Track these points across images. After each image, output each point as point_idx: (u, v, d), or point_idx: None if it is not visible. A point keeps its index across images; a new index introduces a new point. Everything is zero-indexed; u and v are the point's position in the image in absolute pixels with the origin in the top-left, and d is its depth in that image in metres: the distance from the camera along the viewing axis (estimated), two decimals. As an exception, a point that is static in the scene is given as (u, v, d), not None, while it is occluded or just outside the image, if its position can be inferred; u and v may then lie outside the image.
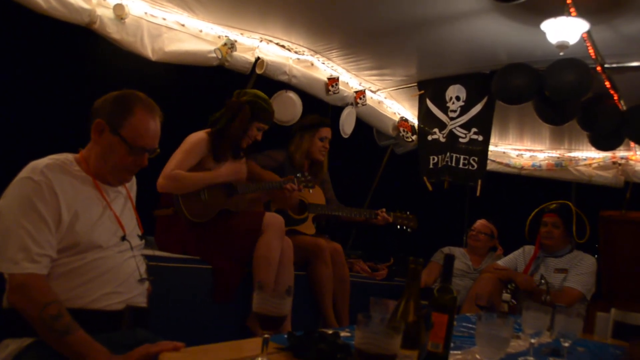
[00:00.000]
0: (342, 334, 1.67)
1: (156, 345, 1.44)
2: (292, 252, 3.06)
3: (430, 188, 4.57)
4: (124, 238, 1.74)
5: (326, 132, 3.72)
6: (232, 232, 2.94)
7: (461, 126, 4.41)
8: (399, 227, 3.88)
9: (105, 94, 1.75)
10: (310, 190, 3.48)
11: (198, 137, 2.99)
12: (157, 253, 2.71)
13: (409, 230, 3.91)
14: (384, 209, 3.81)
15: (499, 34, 3.46)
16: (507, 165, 5.51)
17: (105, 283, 1.64)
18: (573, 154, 5.31)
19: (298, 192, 3.36)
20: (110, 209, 1.74)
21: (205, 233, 2.92)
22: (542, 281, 3.57)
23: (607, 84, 3.89)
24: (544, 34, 3.13)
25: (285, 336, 1.54)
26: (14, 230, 1.51)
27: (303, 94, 3.96)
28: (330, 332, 1.57)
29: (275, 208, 3.55)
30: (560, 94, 3.72)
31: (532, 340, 1.96)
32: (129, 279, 1.72)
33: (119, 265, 1.69)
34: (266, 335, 1.36)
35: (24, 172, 1.59)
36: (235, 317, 2.91)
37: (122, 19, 2.87)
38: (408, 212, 3.92)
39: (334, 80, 4.05)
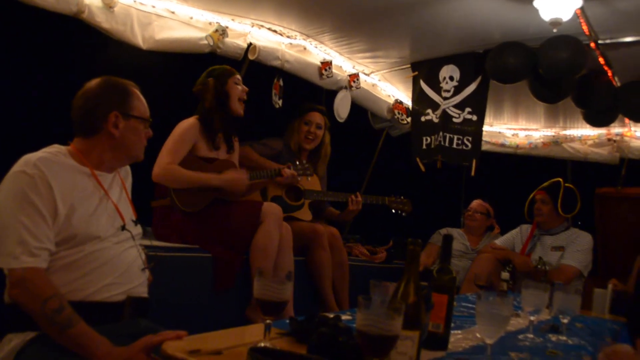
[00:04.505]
0: (344, 317, 1.68)
1: (159, 335, 1.44)
2: (291, 237, 3.07)
3: (423, 169, 4.56)
4: (123, 228, 1.74)
5: (312, 116, 3.70)
6: (230, 221, 2.94)
7: (455, 106, 4.39)
8: (393, 211, 3.89)
9: (84, 90, 1.76)
10: (308, 178, 3.49)
11: (188, 123, 2.97)
12: (155, 243, 2.70)
13: (403, 214, 3.93)
14: (357, 193, 3.78)
15: (492, 12, 3.44)
16: (503, 144, 5.51)
17: (106, 274, 1.64)
18: (568, 132, 5.31)
19: (297, 179, 3.37)
20: (109, 198, 1.73)
21: (204, 222, 2.92)
22: (540, 265, 3.59)
23: (601, 60, 3.87)
24: (537, 11, 3.11)
25: (287, 321, 1.55)
26: (11, 224, 1.50)
27: (296, 79, 3.93)
28: (331, 316, 1.58)
29: (273, 195, 3.55)
30: (555, 71, 3.71)
31: (532, 318, 1.98)
32: (129, 268, 1.72)
33: (118, 255, 1.69)
34: (268, 321, 1.36)
35: (17, 166, 1.57)
36: (235, 304, 2.92)
37: (110, 7, 2.83)
38: (402, 197, 3.93)
39: (327, 64, 4.02)
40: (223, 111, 3.04)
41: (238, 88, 3.08)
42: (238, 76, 3.12)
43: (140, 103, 1.81)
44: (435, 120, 4.47)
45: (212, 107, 3.01)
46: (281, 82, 3.85)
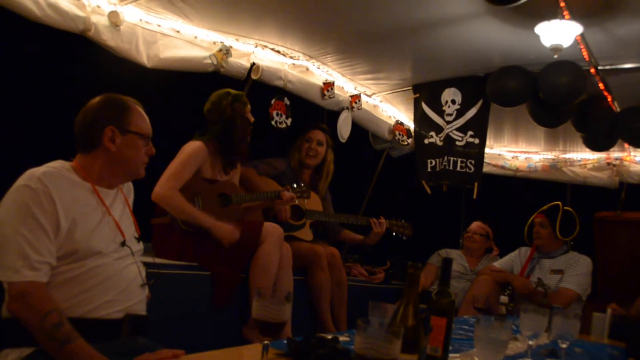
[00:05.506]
0: (341, 338, 1.67)
1: (156, 354, 1.44)
2: (291, 257, 3.06)
3: (429, 192, 4.59)
4: (123, 244, 1.74)
5: (313, 133, 3.75)
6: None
7: (457, 129, 4.42)
8: (394, 234, 3.90)
9: (86, 106, 1.79)
10: (305, 201, 3.52)
11: (195, 146, 2.97)
12: (156, 260, 2.70)
13: (404, 237, 3.94)
14: (381, 217, 3.83)
15: (494, 37, 3.48)
16: (503, 167, 5.53)
17: (105, 291, 1.64)
18: (568, 156, 5.33)
19: (295, 202, 3.39)
20: (110, 214, 1.74)
21: (203, 241, 2.91)
22: (539, 287, 3.58)
23: (601, 85, 3.91)
24: (537, 37, 3.15)
25: (285, 342, 1.55)
26: (13, 238, 1.51)
27: (298, 99, 3.96)
28: (329, 337, 1.57)
29: (274, 214, 3.56)
30: (555, 96, 3.74)
31: (530, 342, 1.97)
32: (129, 286, 1.72)
33: (118, 272, 1.69)
34: (266, 342, 1.36)
35: (21, 180, 1.59)
36: (233, 323, 2.90)
37: (117, 26, 2.87)
38: (403, 220, 3.95)
39: (329, 85, 4.06)
40: (243, 136, 3.08)
41: (251, 117, 3.15)
42: (248, 107, 3.17)
43: (139, 119, 1.81)
44: (439, 143, 4.50)
45: (238, 131, 3.05)
46: (287, 101, 3.87)
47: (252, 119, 3.15)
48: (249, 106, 3.15)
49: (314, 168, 3.81)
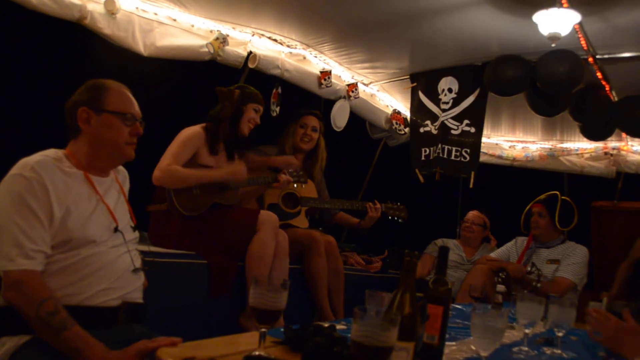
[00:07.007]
0: (338, 326, 1.68)
1: (153, 341, 1.44)
2: (287, 245, 3.07)
3: (422, 180, 4.58)
4: (116, 230, 1.73)
5: (308, 119, 3.74)
6: (226, 228, 2.94)
7: (453, 118, 4.41)
8: (390, 217, 3.90)
9: None
10: (303, 185, 3.51)
11: (193, 130, 2.99)
12: (152, 249, 2.70)
13: (400, 220, 3.94)
14: (376, 201, 3.83)
15: (491, 25, 3.47)
16: (500, 156, 5.53)
17: (101, 279, 1.64)
18: (565, 145, 5.34)
19: (292, 185, 3.39)
20: (103, 202, 1.73)
21: (200, 228, 2.92)
22: (533, 269, 3.60)
23: (599, 75, 3.90)
24: (535, 25, 3.13)
25: (282, 330, 1.55)
26: (7, 227, 1.51)
27: (295, 88, 3.95)
28: (326, 325, 1.58)
29: (269, 202, 3.56)
30: (552, 85, 3.73)
31: (526, 331, 1.98)
32: (124, 274, 1.72)
33: (113, 260, 1.69)
34: (263, 329, 1.36)
35: (15, 169, 1.58)
36: (230, 312, 2.91)
37: (113, 14, 2.85)
38: (398, 203, 3.95)
39: (326, 74, 4.04)
40: (231, 124, 3.08)
41: (252, 113, 3.13)
42: (260, 107, 3.18)
43: (118, 98, 1.75)
44: (434, 131, 4.49)
45: (226, 115, 3.05)
46: (279, 90, 3.87)
47: (257, 121, 3.15)
48: (258, 106, 3.15)
49: (306, 154, 3.80)
